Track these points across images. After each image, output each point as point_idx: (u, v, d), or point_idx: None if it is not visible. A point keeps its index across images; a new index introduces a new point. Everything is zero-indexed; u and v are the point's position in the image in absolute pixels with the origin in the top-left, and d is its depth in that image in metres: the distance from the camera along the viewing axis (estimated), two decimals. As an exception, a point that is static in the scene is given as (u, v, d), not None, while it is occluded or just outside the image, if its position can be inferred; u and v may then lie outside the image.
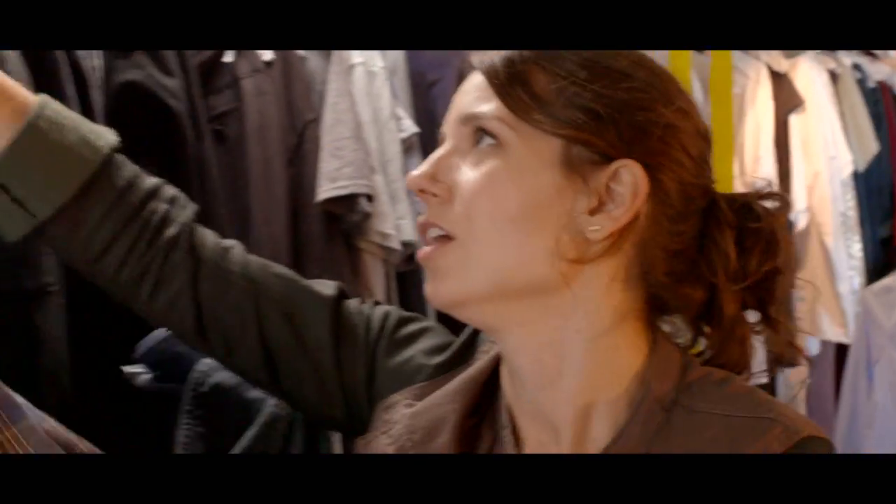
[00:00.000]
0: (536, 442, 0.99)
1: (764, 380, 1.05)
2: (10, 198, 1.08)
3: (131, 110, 1.90)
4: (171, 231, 1.13)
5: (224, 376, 1.67)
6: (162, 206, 1.13)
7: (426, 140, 2.57)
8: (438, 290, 0.97)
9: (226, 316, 1.13)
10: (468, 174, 0.96)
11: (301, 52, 2.32)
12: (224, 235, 2.01)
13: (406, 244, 2.35)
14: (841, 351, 3.83)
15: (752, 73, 3.53)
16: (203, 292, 1.12)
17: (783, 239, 1.01)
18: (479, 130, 0.96)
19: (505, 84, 0.95)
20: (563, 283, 0.95)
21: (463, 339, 1.12)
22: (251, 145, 2.21)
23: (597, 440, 0.97)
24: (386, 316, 1.14)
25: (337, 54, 2.32)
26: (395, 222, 2.33)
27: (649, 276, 0.98)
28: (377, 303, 1.18)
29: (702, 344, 1.03)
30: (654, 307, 1.00)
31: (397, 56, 2.54)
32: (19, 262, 1.75)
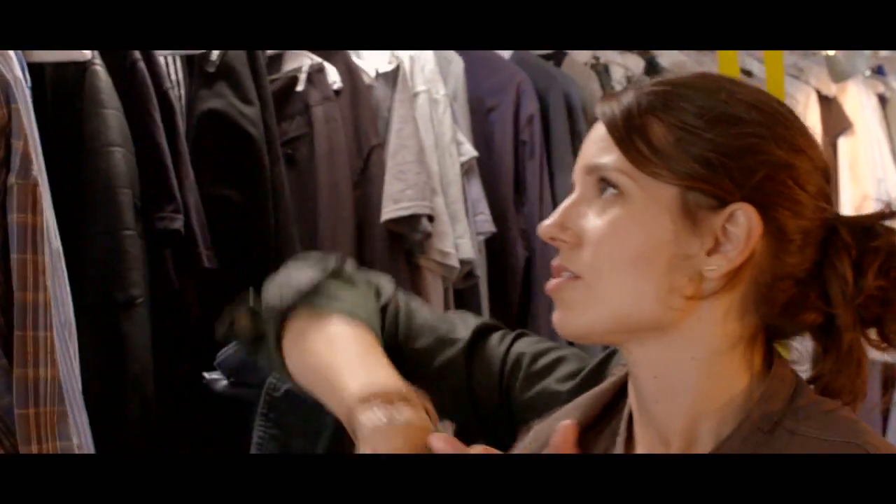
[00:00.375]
0: (646, 449, 1.05)
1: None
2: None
3: (213, 136, 2.04)
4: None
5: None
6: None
7: (484, 163, 2.69)
8: (566, 321, 1.03)
9: None
10: (594, 222, 1.01)
11: (367, 81, 2.43)
12: (294, 252, 2.14)
13: (464, 262, 2.45)
14: (887, 368, 3.89)
15: (801, 98, 3.61)
16: None
17: None
18: (602, 180, 1.01)
19: (624, 137, 1.00)
20: (680, 319, 1.00)
21: (593, 365, 1.17)
22: (320, 169, 2.32)
23: (698, 449, 1.01)
24: (521, 354, 1.22)
25: (402, 83, 2.43)
26: (455, 241, 2.42)
27: (764, 306, 1.01)
28: (521, 335, 1.25)
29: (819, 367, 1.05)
30: (769, 332, 1.03)
31: (458, 83, 2.65)
32: (109, 277, 1.89)
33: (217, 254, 2.02)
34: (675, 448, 1.02)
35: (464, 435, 1.34)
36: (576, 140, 2.79)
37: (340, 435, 1.70)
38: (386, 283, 1.28)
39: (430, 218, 2.37)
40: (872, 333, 1.03)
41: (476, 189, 2.55)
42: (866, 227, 1.02)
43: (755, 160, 0.98)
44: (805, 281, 1.01)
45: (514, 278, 2.68)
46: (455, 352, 1.23)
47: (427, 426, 1.05)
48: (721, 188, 0.98)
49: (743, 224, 0.98)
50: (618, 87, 3.01)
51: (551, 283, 1.03)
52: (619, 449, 1.06)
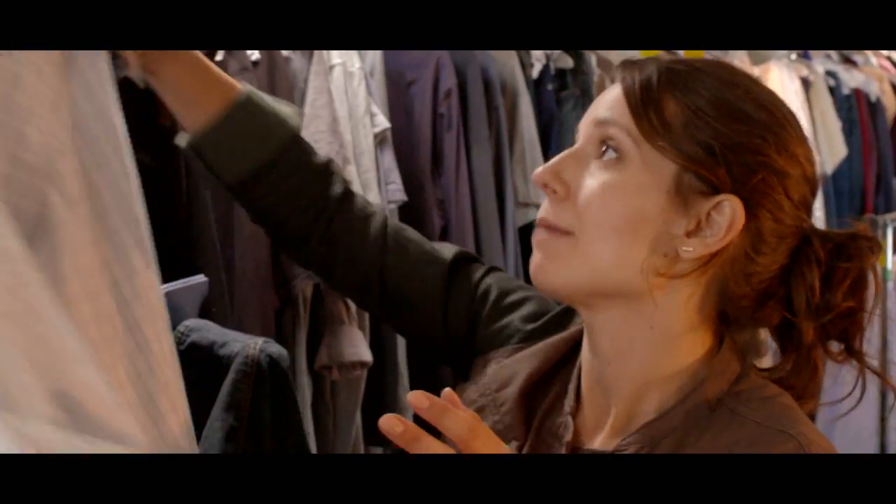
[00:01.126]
0: (592, 405, 1.11)
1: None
2: (203, 164, 1.27)
3: (127, 103, 2.12)
4: (323, 202, 1.28)
5: (199, 336, 1.89)
6: (321, 182, 1.29)
7: (403, 135, 2.78)
8: (545, 270, 1.06)
9: (358, 268, 1.29)
10: (588, 181, 1.04)
11: (285, 53, 2.50)
12: (206, 215, 2.22)
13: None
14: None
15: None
16: (340, 251, 1.29)
17: (870, 279, 1.07)
18: (606, 140, 1.04)
19: (639, 105, 1.03)
20: (649, 292, 1.03)
21: (557, 312, 1.22)
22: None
23: (641, 416, 1.06)
24: (490, 286, 1.26)
25: (318, 56, 2.50)
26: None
27: (725, 299, 1.05)
28: (493, 269, 1.29)
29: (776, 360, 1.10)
30: (725, 320, 1.07)
31: (375, 58, 2.74)
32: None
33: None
34: (619, 408, 1.08)
35: (432, 358, 1.40)
36: (492, 114, 2.89)
37: (240, 386, 1.82)
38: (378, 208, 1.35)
39: (343, 185, 2.45)
40: (834, 345, 1.08)
41: (388, 159, 2.63)
42: (838, 243, 1.06)
43: (754, 160, 1.02)
44: (770, 283, 1.05)
45: (429, 246, 2.78)
46: (437, 270, 1.26)
47: None
48: (716, 177, 1.01)
49: (727, 215, 1.02)
50: (537, 64, 3.12)
51: (540, 234, 1.06)
52: (569, 399, 1.12)
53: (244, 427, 1.79)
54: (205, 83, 1.26)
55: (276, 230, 1.33)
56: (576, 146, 1.07)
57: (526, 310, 1.24)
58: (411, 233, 1.31)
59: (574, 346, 1.16)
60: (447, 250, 1.29)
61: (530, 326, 1.22)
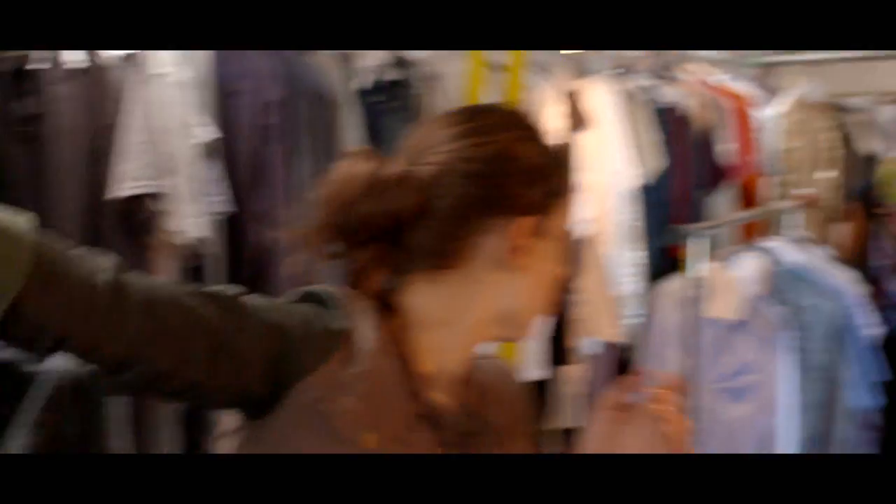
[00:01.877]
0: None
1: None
2: None
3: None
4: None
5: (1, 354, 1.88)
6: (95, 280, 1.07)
7: (227, 146, 2.75)
8: None
9: (184, 349, 1.11)
10: None
11: (107, 62, 2.49)
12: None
13: (196, 240, 2.54)
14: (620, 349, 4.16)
15: (544, 93, 3.83)
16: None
17: None
18: None
19: None
20: None
21: (301, 295, 1.23)
22: (56, 146, 2.39)
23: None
24: (276, 317, 1.17)
25: (142, 64, 2.49)
26: (187, 220, 2.50)
27: None
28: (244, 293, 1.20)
29: None
30: None
31: (202, 67, 2.71)
32: None
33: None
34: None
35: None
36: (316, 125, 2.91)
37: (55, 403, 1.80)
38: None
39: (160, 197, 2.45)
40: None
41: (212, 170, 2.62)
42: None
43: None
44: None
45: (251, 257, 2.79)
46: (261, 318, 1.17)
47: None
48: None
49: None
50: (362, 76, 3.13)
51: None
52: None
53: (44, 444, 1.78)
54: None
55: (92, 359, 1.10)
56: None
57: (301, 312, 1.20)
58: (186, 289, 1.17)
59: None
60: (231, 289, 1.19)
61: (327, 322, 1.20)
